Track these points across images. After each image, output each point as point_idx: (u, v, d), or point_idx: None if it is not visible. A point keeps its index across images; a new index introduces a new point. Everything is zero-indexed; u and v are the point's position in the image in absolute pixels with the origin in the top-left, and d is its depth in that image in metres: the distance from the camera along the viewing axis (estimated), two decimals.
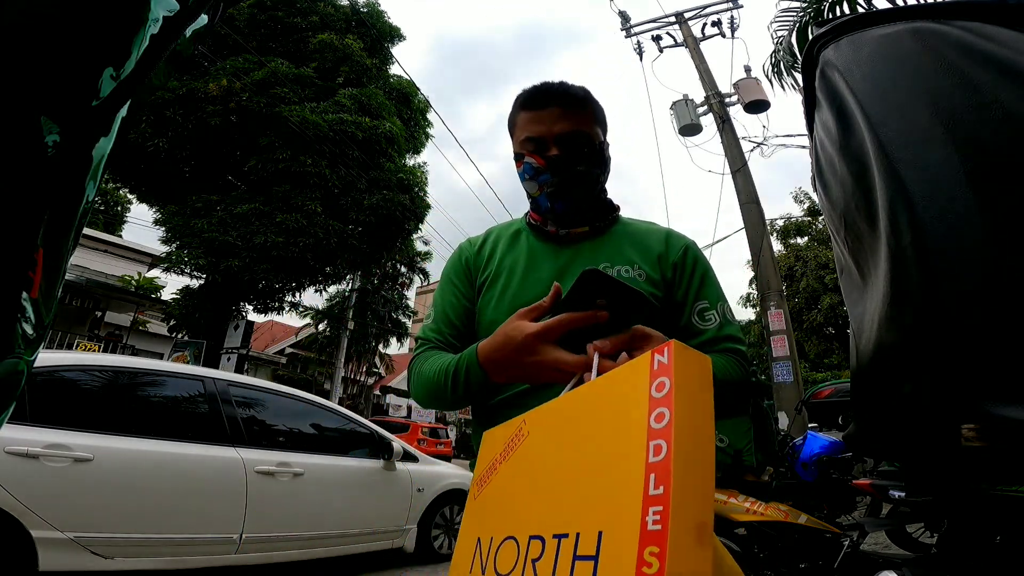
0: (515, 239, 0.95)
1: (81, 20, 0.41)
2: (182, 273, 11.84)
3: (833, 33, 1.64)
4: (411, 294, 20.12)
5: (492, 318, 0.86)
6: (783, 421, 6.25)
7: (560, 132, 0.84)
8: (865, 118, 1.42)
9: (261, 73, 11.08)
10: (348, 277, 15.94)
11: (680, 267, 0.89)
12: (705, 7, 9.64)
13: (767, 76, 6.34)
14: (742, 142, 8.55)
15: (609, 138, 0.94)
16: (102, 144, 0.49)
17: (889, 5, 4.18)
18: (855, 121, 1.47)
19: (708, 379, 0.40)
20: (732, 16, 9.50)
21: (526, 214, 0.99)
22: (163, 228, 12.07)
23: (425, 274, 18.97)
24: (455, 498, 4.68)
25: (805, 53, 1.75)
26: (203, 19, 0.58)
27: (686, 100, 9.05)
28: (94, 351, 11.35)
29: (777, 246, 17.91)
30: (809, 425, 3.74)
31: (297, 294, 13.87)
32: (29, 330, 0.45)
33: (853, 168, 1.52)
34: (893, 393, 1.40)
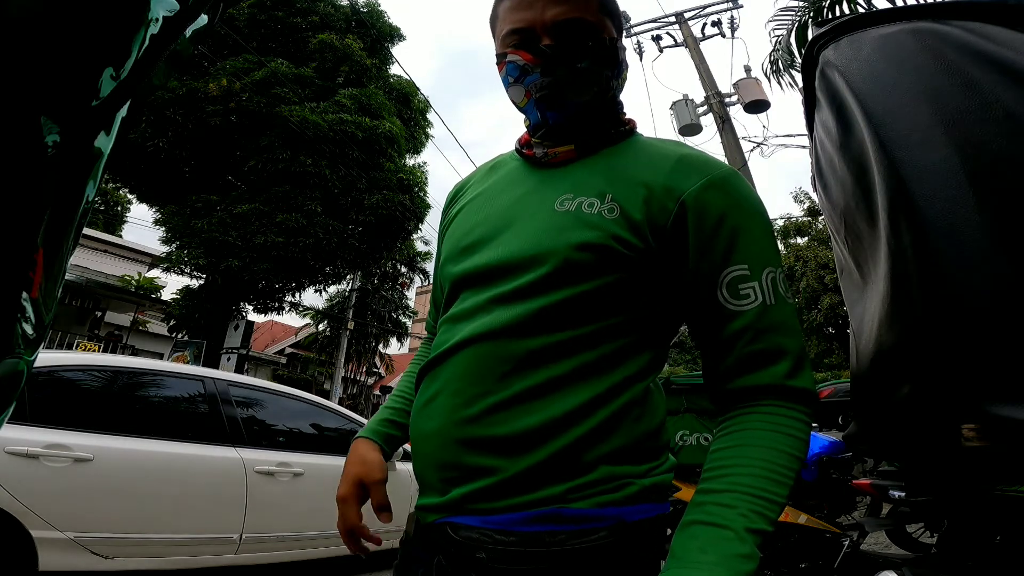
0: (493, 171, 0.77)
1: (81, 20, 0.41)
2: (182, 273, 11.84)
3: (833, 33, 1.64)
4: (411, 294, 20.12)
5: (444, 255, 0.73)
6: None
7: (554, 19, 0.63)
8: (865, 118, 1.42)
9: (261, 73, 11.07)
10: (348, 277, 15.94)
11: (697, 209, 0.60)
12: (705, 7, 9.64)
13: (766, 76, 6.35)
14: (742, 142, 8.57)
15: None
16: (102, 144, 0.49)
17: (889, 5, 4.18)
18: (855, 121, 1.47)
19: None
20: (732, 16, 9.51)
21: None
22: (163, 228, 12.07)
23: (425, 274, 18.96)
24: None
25: (805, 53, 1.75)
26: (203, 19, 0.58)
27: (686, 100, 9.06)
28: (94, 351, 11.35)
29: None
30: None
31: (297, 294, 13.88)
32: (29, 330, 0.45)
33: (853, 168, 1.52)
34: (893, 393, 1.40)
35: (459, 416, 0.60)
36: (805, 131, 1.89)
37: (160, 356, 12.47)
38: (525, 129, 0.74)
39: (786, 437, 0.55)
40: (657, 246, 0.61)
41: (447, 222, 0.78)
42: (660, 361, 0.66)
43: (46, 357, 2.75)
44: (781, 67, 5.87)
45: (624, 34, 0.72)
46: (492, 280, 0.64)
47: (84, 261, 15.56)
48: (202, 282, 12.26)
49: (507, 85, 0.69)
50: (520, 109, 0.70)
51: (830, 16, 4.87)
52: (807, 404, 0.57)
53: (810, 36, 1.71)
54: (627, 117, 0.72)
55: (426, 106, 13.83)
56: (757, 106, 8.40)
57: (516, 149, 0.74)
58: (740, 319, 0.58)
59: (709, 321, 0.61)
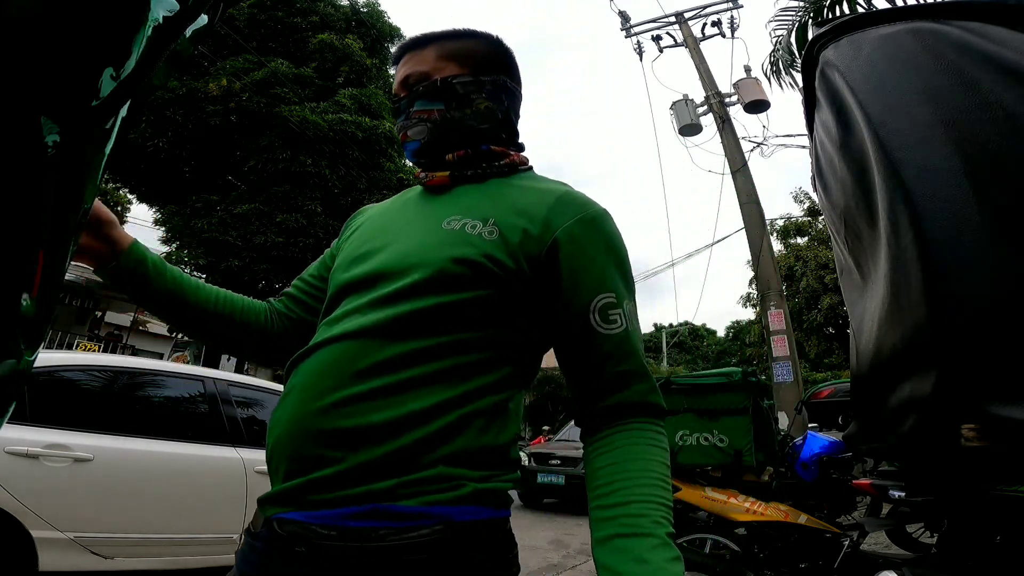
0: (399, 198, 0.87)
1: (81, 20, 0.41)
2: None
3: (833, 33, 1.64)
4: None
5: (335, 266, 0.80)
6: (783, 421, 6.25)
7: (403, 77, 0.80)
8: (865, 118, 1.42)
9: (261, 73, 11.07)
10: None
11: (570, 242, 0.68)
12: (705, 7, 9.65)
13: (766, 76, 6.35)
14: (742, 142, 8.57)
15: (497, 77, 0.81)
16: (102, 144, 0.49)
17: (889, 5, 4.18)
18: (855, 121, 1.47)
19: None
20: (732, 16, 9.51)
21: None
22: (163, 228, 12.08)
23: None
24: None
25: (805, 53, 1.75)
26: (203, 19, 0.58)
27: (686, 100, 9.06)
28: (94, 351, 11.35)
29: (777, 246, 17.92)
30: (809, 425, 3.74)
31: None
32: (29, 330, 0.45)
33: (853, 168, 1.52)
34: (894, 393, 1.40)
35: (310, 408, 0.63)
36: (805, 131, 1.89)
37: (160, 356, 12.47)
38: None
39: (659, 449, 0.63)
40: (530, 271, 0.67)
41: (347, 235, 0.85)
42: (521, 380, 0.71)
43: (46, 357, 2.75)
44: (781, 67, 5.87)
45: (502, 76, 0.82)
46: (372, 285, 0.70)
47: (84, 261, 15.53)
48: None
49: (396, 129, 0.85)
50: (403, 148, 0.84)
51: (830, 16, 4.87)
52: (663, 416, 0.67)
53: (810, 36, 1.71)
54: (519, 155, 0.82)
55: None
56: (757, 106, 8.40)
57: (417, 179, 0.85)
58: (609, 342, 0.66)
59: (580, 343, 0.67)
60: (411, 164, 0.84)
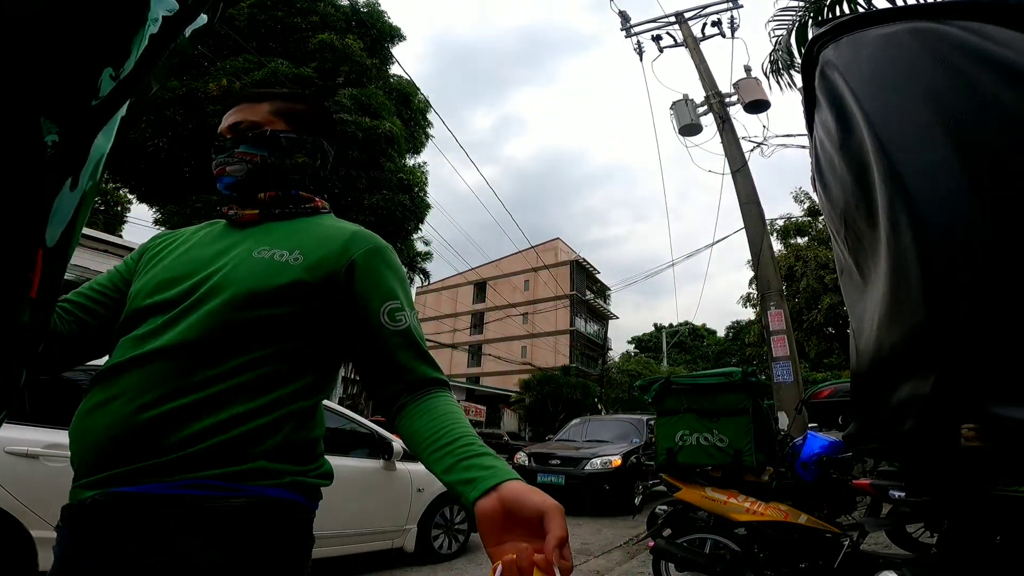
0: (199, 231, 0.97)
1: (81, 20, 0.41)
2: None
3: (833, 33, 1.64)
4: (411, 294, 20.09)
5: (135, 290, 0.86)
6: (783, 421, 6.25)
7: (233, 122, 0.92)
8: (865, 118, 1.42)
9: (261, 73, 11.07)
10: None
11: (363, 265, 0.86)
12: (705, 7, 9.64)
13: (766, 76, 6.35)
14: (742, 142, 8.56)
15: (321, 141, 0.99)
16: (101, 143, 0.49)
17: (889, 5, 4.17)
18: (855, 121, 1.47)
19: None
20: (732, 16, 9.51)
21: None
22: (163, 228, 12.08)
23: (426, 274, 18.92)
24: (455, 498, 4.68)
25: (805, 53, 1.75)
26: (203, 19, 0.58)
27: (686, 100, 9.06)
28: None
29: (777, 246, 17.91)
30: (809, 425, 3.74)
31: None
32: (28, 331, 0.45)
33: (853, 168, 1.52)
34: (893, 393, 1.40)
35: (135, 416, 0.71)
36: (805, 131, 1.89)
37: None
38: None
39: (459, 408, 0.81)
40: (331, 287, 0.83)
41: (146, 260, 0.93)
42: (323, 387, 0.86)
43: None
44: (781, 67, 5.87)
45: (321, 138, 1.00)
46: (181, 305, 0.79)
47: (84, 261, 15.54)
48: None
49: (213, 164, 0.95)
50: (217, 180, 0.94)
51: (830, 16, 4.87)
52: (449, 387, 0.86)
53: (810, 36, 1.71)
54: (322, 201, 0.98)
55: (426, 106, 13.83)
56: (757, 106, 8.39)
57: (222, 214, 0.96)
58: (399, 336, 0.84)
59: (377, 338, 0.84)
60: (226, 195, 0.95)
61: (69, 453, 0.78)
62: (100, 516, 0.69)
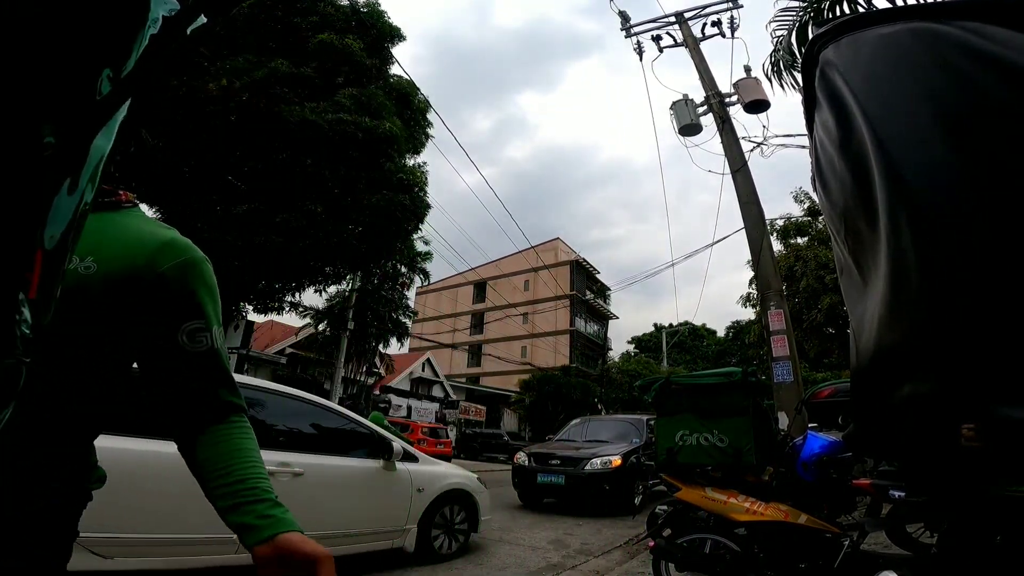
0: None
1: (81, 20, 0.41)
2: None
3: (833, 33, 1.64)
4: (411, 294, 20.11)
5: None
6: (783, 421, 6.25)
7: None
8: (865, 118, 1.42)
9: (261, 73, 11.06)
10: (348, 277, 15.94)
11: (173, 279, 0.79)
12: (705, 7, 9.64)
13: (766, 76, 6.35)
14: (742, 142, 8.56)
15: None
16: (101, 144, 0.49)
17: (889, 5, 4.17)
18: (855, 121, 1.47)
19: None
20: (732, 16, 9.51)
21: None
22: None
23: (425, 274, 18.95)
24: (455, 498, 4.68)
25: (805, 53, 1.75)
26: (202, 18, 0.58)
27: (686, 100, 9.05)
28: None
29: (777, 246, 17.91)
30: (809, 425, 3.74)
31: (297, 294, 13.87)
32: (27, 331, 0.45)
33: (853, 168, 1.52)
34: (893, 393, 1.40)
35: None
36: (805, 131, 1.89)
37: None
38: None
39: (252, 439, 0.82)
40: (130, 301, 0.76)
41: None
42: (114, 391, 0.83)
43: None
44: (782, 67, 5.87)
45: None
46: None
47: None
48: None
49: None
50: None
51: (830, 16, 4.87)
52: (246, 413, 0.85)
53: (810, 36, 1.71)
54: (127, 194, 0.90)
55: (426, 106, 13.82)
56: (757, 106, 8.39)
57: None
58: (200, 357, 0.80)
59: (170, 359, 0.80)
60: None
61: None
62: None
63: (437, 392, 28.10)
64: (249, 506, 0.74)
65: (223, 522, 0.76)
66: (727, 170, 8.45)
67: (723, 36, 9.60)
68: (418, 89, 13.64)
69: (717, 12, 9.56)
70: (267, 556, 0.70)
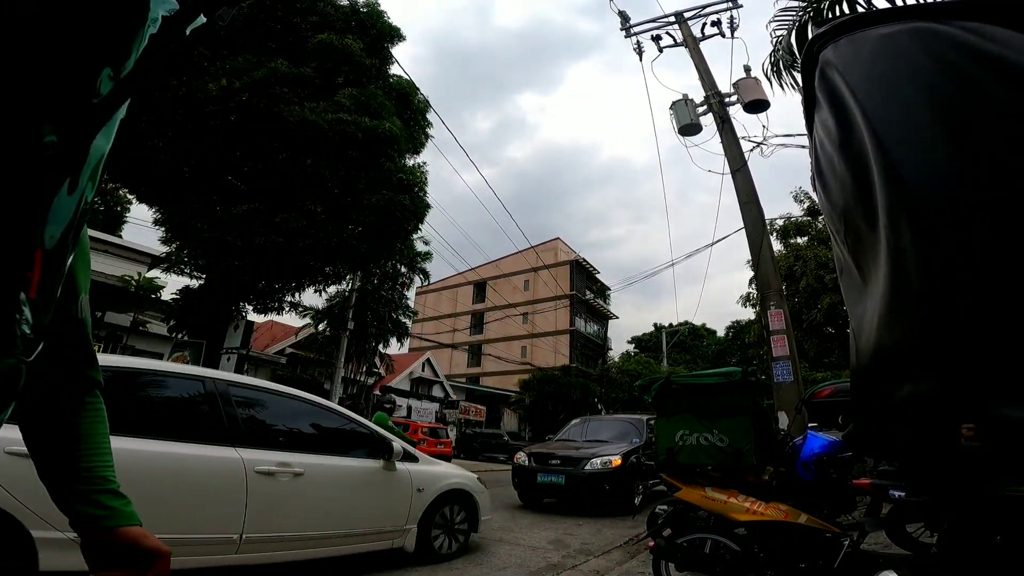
0: None
1: (81, 20, 0.41)
2: (182, 273, 11.84)
3: (833, 33, 1.64)
4: (411, 294, 20.12)
5: None
6: (783, 421, 6.25)
7: None
8: (865, 118, 1.42)
9: (261, 73, 11.06)
10: (348, 277, 15.94)
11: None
12: (705, 7, 9.64)
13: (766, 76, 6.35)
14: (742, 142, 8.56)
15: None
16: (101, 144, 0.49)
17: (889, 5, 4.17)
18: (855, 121, 1.47)
19: None
20: (732, 16, 9.51)
21: None
22: (163, 228, 12.08)
23: (425, 274, 18.94)
24: (455, 498, 4.68)
25: (805, 53, 1.75)
26: (201, 18, 0.58)
27: (686, 100, 9.05)
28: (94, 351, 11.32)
29: (777, 246, 17.92)
30: (809, 425, 3.74)
31: (297, 294, 13.87)
32: (27, 331, 0.45)
33: (853, 168, 1.52)
34: (893, 392, 1.40)
35: None
36: (805, 131, 1.89)
37: (160, 356, 12.47)
38: None
39: (105, 424, 0.83)
40: None
41: None
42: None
43: None
44: (782, 67, 5.87)
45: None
46: None
47: None
48: (202, 282, 12.27)
49: None
50: None
51: (830, 16, 4.87)
52: (102, 390, 0.84)
53: (810, 36, 1.71)
54: None
55: (426, 106, 13.82)
56: (757, 106, 8.39)
57: None
58: (86, 325, 0.77)
59: (74, 333, 0.77)
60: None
61: None
62: None
63: (437, 392, 28.10)
64: (98, 495, 0.77)
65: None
66: (727, 170, 8.46)
67: (723, 36, 9.60)
68: (418, 89, 13.64)
69: (717, 12, 9.57)
70: (103, 544, 0.74)
